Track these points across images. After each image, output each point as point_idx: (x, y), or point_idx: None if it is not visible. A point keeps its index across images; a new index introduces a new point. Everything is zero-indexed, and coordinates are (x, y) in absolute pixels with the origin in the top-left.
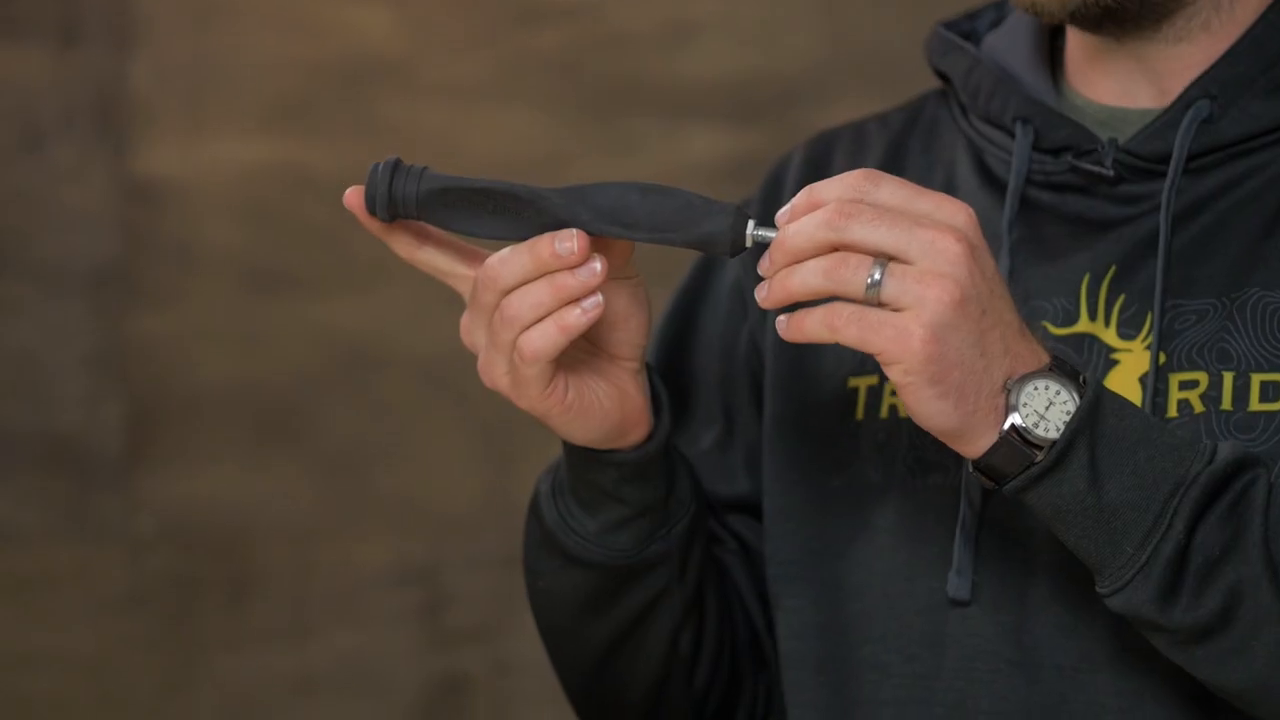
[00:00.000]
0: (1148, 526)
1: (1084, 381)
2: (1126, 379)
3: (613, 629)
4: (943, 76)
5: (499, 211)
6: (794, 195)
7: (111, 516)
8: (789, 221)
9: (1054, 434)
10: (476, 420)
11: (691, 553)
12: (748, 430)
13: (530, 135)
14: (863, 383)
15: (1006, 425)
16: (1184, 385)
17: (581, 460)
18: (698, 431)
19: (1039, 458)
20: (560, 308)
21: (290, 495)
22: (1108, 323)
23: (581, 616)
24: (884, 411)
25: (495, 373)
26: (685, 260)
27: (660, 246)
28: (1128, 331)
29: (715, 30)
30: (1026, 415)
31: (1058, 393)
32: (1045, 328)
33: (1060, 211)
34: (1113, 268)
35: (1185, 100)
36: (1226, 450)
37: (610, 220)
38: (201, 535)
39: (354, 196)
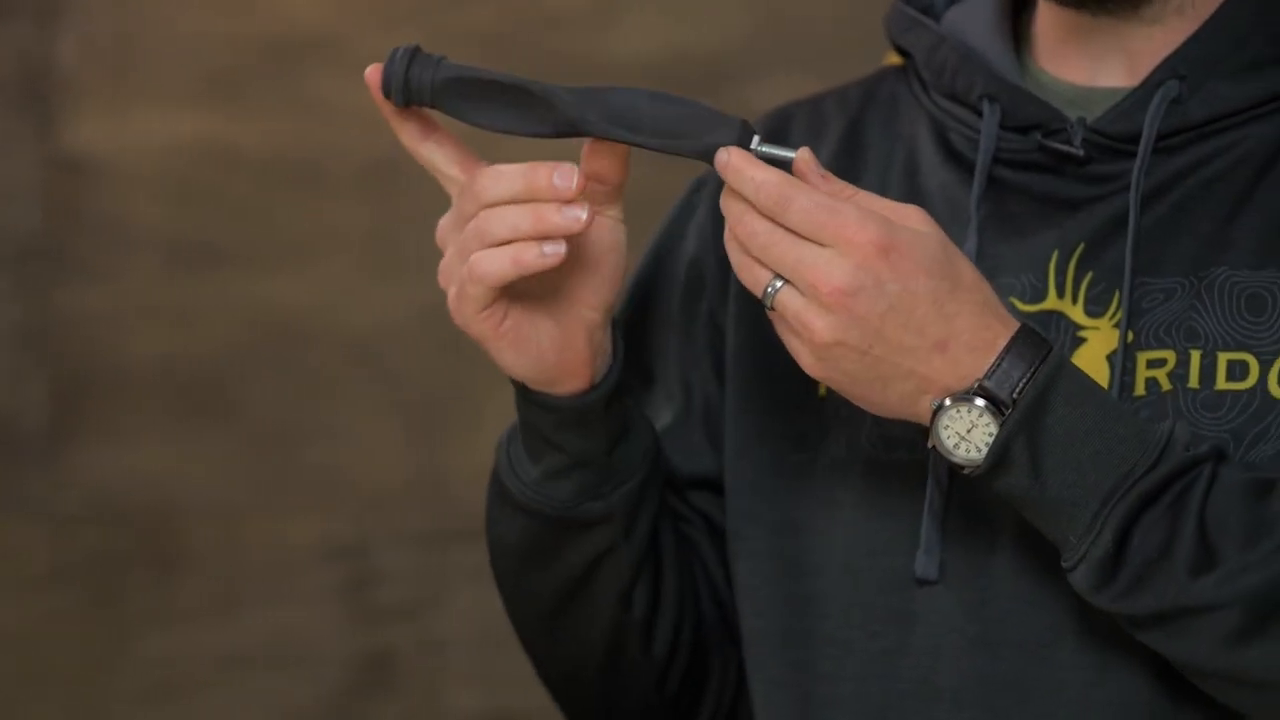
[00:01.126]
0: (1086, 524)
1: (1031, 375)
2: (1094, 356)
3: (557, 583)
4: (903, 52)
5: (511, 105)
6: None
7: (37, 493)
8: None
9: (976, 455)
10: (405, 397)
11: (639, 515)
12: (709, 407)
13: None
14: None
15: (929, 444)
16: (1151, 364)
17: (524, 402)
18: (658, 409)
19: (967, 470)
20: (531, 239)
21: (218, 472)
22: (1075, 300)
23: (527, 566)
24: None
25: (449, 276)
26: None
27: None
28: (1095, 309)
29: (644, 7)
30: (947, 437)
31: (979, 415)
32: (1014, 304)
33: (1028, 190)
34: (1081, 245)
35: (1154, 80)
36: (1178, 446)
37: (618, 123)
38: (128, 512)
39: (374, 75)
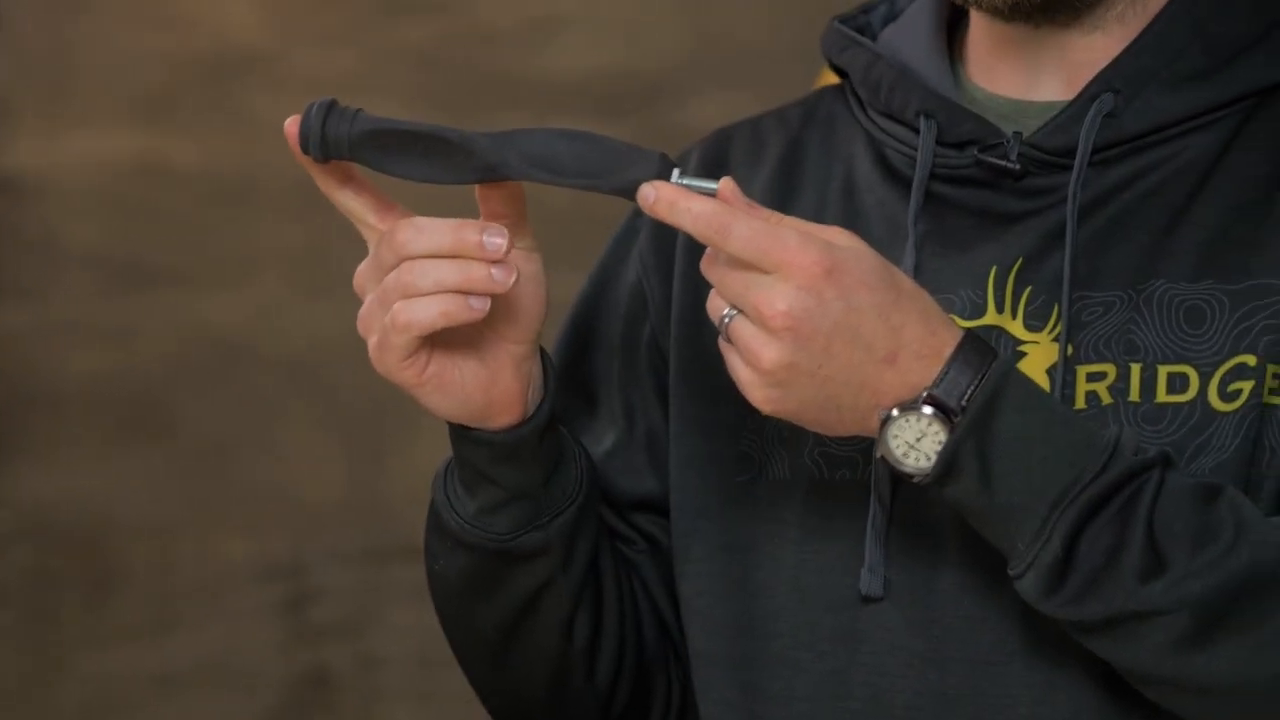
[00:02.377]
0: (1034, 531)
1: (979, 382)
2: (1034, 371)
3: (500, 616)
4: (840, 71)
5: (429, 154)
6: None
7: None
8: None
9: (925, 464)
10: (341, 415)
11: (577, 544)
12: (652, 430)
13: None
14: None
15: (877, 454)
16: (1091, 377)
17: (457, 436)
18: (601, 433)
19: (916, 479)
20: (453, 293)
21: (153, 490)
22: (1015, 315)
23: (468, 601)
24: None
25: (370, 325)
26: (595, 248)
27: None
28: (1035, 323)
29: (580, 26)
30: (896, 447)
31: (929, 424)
32: (954, 320)
33: (965, 205)
34: (1019, 260)
35: (1089, 94)
36: (1125, 451)
37: (538, 165)
38: (63, 531)
39: (291, 128)
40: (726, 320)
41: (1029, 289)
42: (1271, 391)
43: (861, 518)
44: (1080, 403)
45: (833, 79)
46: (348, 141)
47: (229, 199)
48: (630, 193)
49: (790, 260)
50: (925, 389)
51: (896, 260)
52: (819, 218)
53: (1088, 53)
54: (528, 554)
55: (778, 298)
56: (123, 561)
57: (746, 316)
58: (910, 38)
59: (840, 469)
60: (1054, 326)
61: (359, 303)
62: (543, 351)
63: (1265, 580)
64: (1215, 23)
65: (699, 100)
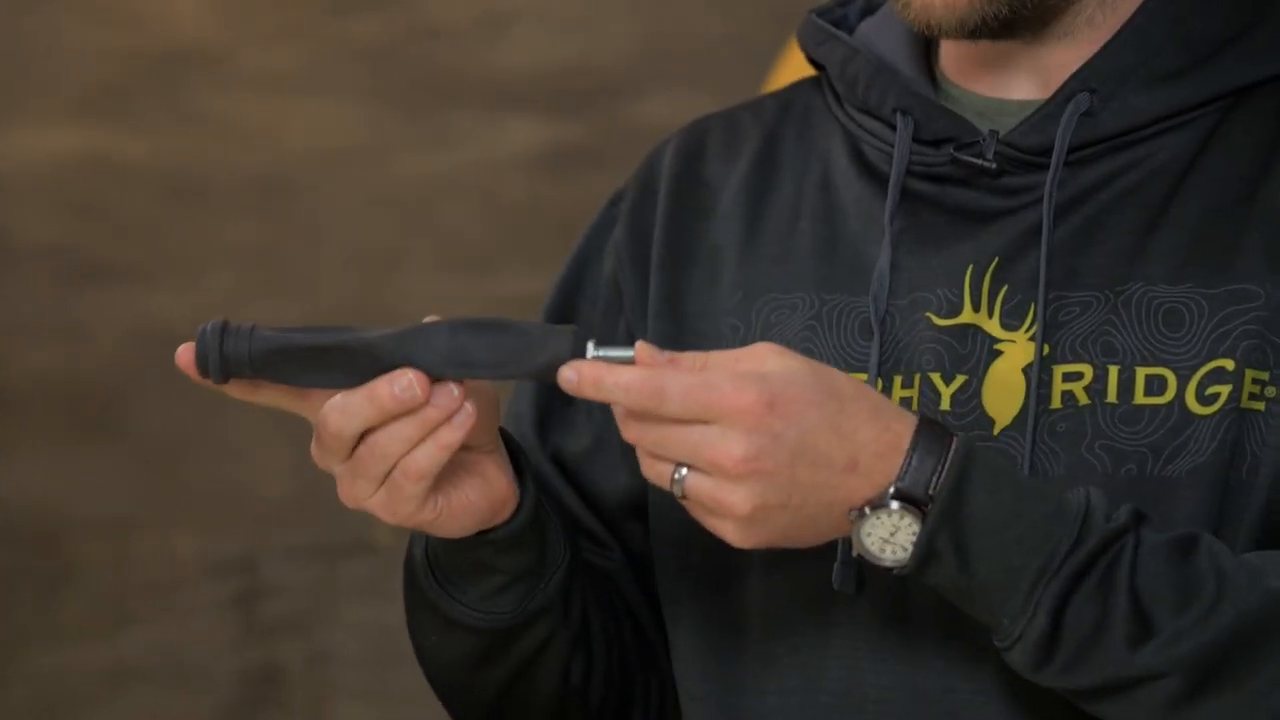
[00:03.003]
0: (1018, 606)
1: (943, 468)
2: (1010, 369)
3: (502, 677)
4: (818, 65)
5: (333, 365)
6: (669, 185)
7: None
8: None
9: (903, 555)
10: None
11: (572, 594)
12: None
13: (347, 126)
14: None
15: (854, 553)
16: (1067, 377)
17: (456, 544)
18: (578, 429)
19: (896, 571)
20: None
21: (105, 487)
22: (991, 313)
23: (471, 672)
24: None
25: (359, 496)
26: (568, 243)
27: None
28: (1011, 322)
29: (531, 22)
30: (871, 544)
31: (900, 517)
32: (930, 319)
33: (941, 203)
34: (996, 259)
35: (1065, 93)
36: (1097, 515)
37: (449, 362)
38: (14, 527)
39: (185, 355)
40: (679, 480)
41: (1005, 288)
42: (1250, 396)
43: None
44: (1056, 403)
45: (786, 75)
46: (248, 360)
47: (180, 195)
48: (549, 375)
49: (731, 406)
50: (891, 485)
51: (874, 258)
52: (796, 211)
53: (1061, 57)
54: (531, 620)
55: (733, 445)
56: (76, 558)
57: (699, 471)
58: (887, 33)
59: None
60: (1030, 326)
61: (310, 300)
62: (504, 432)
63: (1252, 632)
64: (1193, 22)
65: (650, 97)
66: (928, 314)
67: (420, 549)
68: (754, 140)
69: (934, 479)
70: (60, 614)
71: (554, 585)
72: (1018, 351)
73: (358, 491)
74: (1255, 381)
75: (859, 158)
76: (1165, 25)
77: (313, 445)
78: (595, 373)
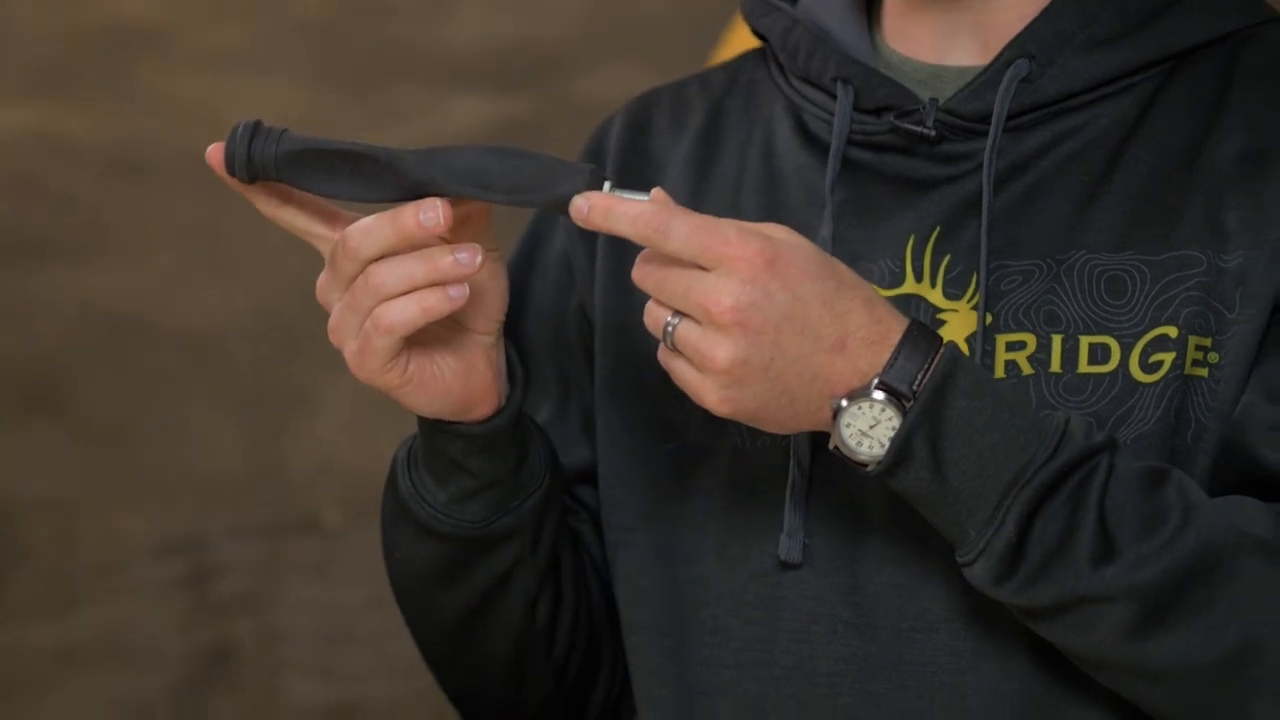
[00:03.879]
0: (986, 517)
1: (929, 368)
2: (953, 339)
3: (467, 599)
4: (761, 36)
5: (356, 174)
6: (616, 159)
7: None
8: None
9: (879, 451)
10: (239, 389)
11: (545, 525)
12: (584, 398)
13: (291, 104)
14: None
15: (831, 445)
16: (1011, 346)
17: (431, 430)
18: (535, 403)
19: (870, 468)
20: (428, 287)
21: (51, 467)
22: (934, 283)
23: (436, 587)
24: None
25: (343, 333)
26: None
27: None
28: (953, 292)
29: None
30: (850, 435)
31: (882, 410)
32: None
33: (882, 171)
34: (937, 228)
35: (1004, 59)
36: (1075, 435)
37: (466, 182)
38: None
39: (215, 154)
40: (671, 328)
41: (948, 257)
42: (1194, 363)
43: (782, 485)
44: (1000, 372)
45: (731, 49)
46: (274, 162)
47: (123, 174)
48: (562, 206)
49: (731, 254)
50: (876, 375)
51: (815, 228)
52: (739, 183)
53: (1003, 14)
54: (498, 539)
55: (724, 293)
56: (22, 539)
57: (691, 319)
58: (829, 3)
59: (761, 437)
60: (973, 295)
61: (258, 280)
62: (507, 341)
63: (1213, 563)
64: None
65: (597, 72)
66: (872, 285)
67: (404, 450)
68: (700, 113)
69: (920, 376)
70: (8, 595)
71: (527, 509)
72: (960, 321)
73: (345, 329)
74: (1198, 348)
75: (801, 128)
76: None
77: (322, 275)
78: (606, 203)
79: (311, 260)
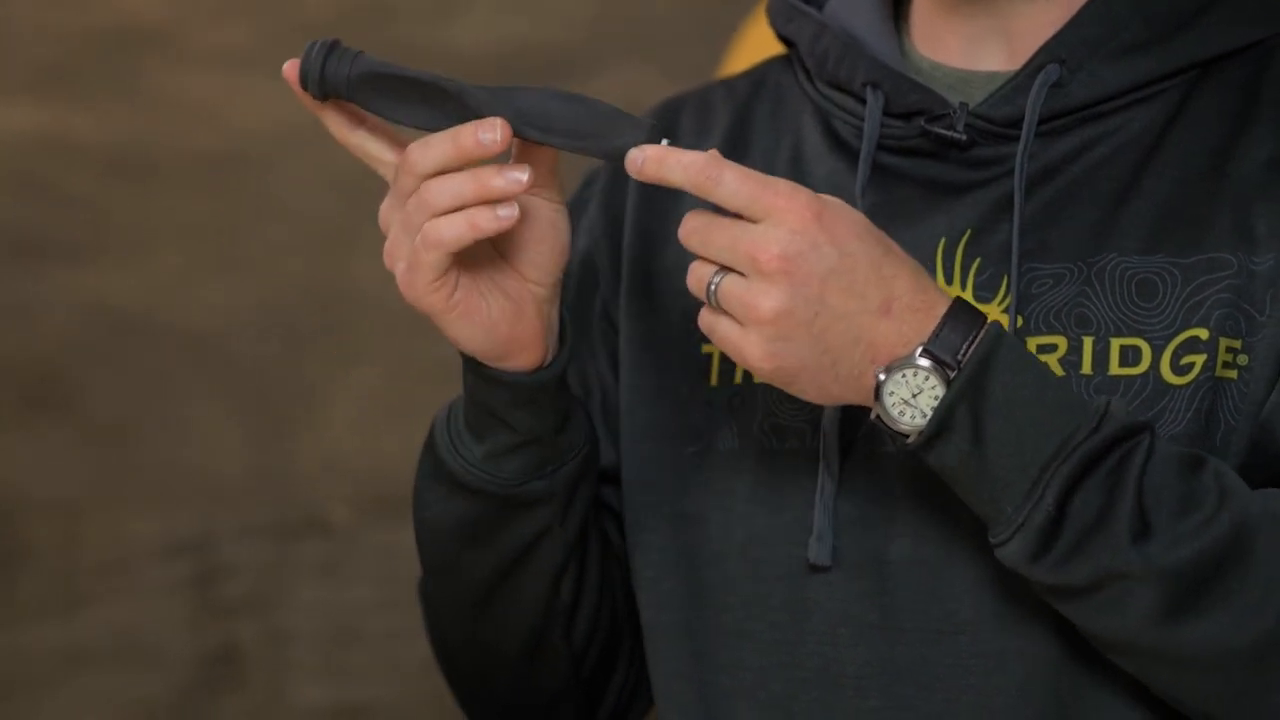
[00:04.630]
0: (1024, 491)
1: (974, 341)
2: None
3: (493, 563)
4: (788, 42)
5: (424, 101)
6: None
7: None
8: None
9: (920, 421)
10: (245, 389)
11: (576, 498)
12: (607, 400)
13: (298, 104)
14: (716, 349)
15: (872, 415)
16: (1042, 349)
17: (477, 378)
18: None
19: (910, 440)
20: (478, 204)
21: (57, 467)
22: (964, 286)
23: (462, 547)
24: (738, 377)
25: (396, 254)
26: None
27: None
28: (984, 294)
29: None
30: (892, 404)
31: (925, 379)
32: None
33: (912, 176)
34: (968, 232)
35: (1035, 64)
36: (1117, 414)
37: (530, 123)
38: None
39: (291, 70)
40: (714, 286)
41: (978, 260)
42: (1225, 365)
43: (810, 488)
44: None
45: (743, 52)
46: (346, 82)
47: (129, 173)
48: (618, 156)
49: (782, 205)
50: (920, 343)
51: None
52: None
53: (1030, 20)
54: (530, 501)
55: (771, 241)
56: (28, 539)
57: (736, 273)
58: (856, 7)
59: (789, 439)
60: (1004, 298)
61: (264, 279)
62: (563, 305)
63: (1247, 548)
64: None
65: (605, 75)
66: None
67: (444, 410)
68: (725, 119)
69: (965, 347)
70: (13, 595)
71: (561, 475)
72: None
73: (398, 249)
74: (1229, 350)
75: (830, 133)
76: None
77: (385, 200)
78: (660, 153)
79: (320, 258)
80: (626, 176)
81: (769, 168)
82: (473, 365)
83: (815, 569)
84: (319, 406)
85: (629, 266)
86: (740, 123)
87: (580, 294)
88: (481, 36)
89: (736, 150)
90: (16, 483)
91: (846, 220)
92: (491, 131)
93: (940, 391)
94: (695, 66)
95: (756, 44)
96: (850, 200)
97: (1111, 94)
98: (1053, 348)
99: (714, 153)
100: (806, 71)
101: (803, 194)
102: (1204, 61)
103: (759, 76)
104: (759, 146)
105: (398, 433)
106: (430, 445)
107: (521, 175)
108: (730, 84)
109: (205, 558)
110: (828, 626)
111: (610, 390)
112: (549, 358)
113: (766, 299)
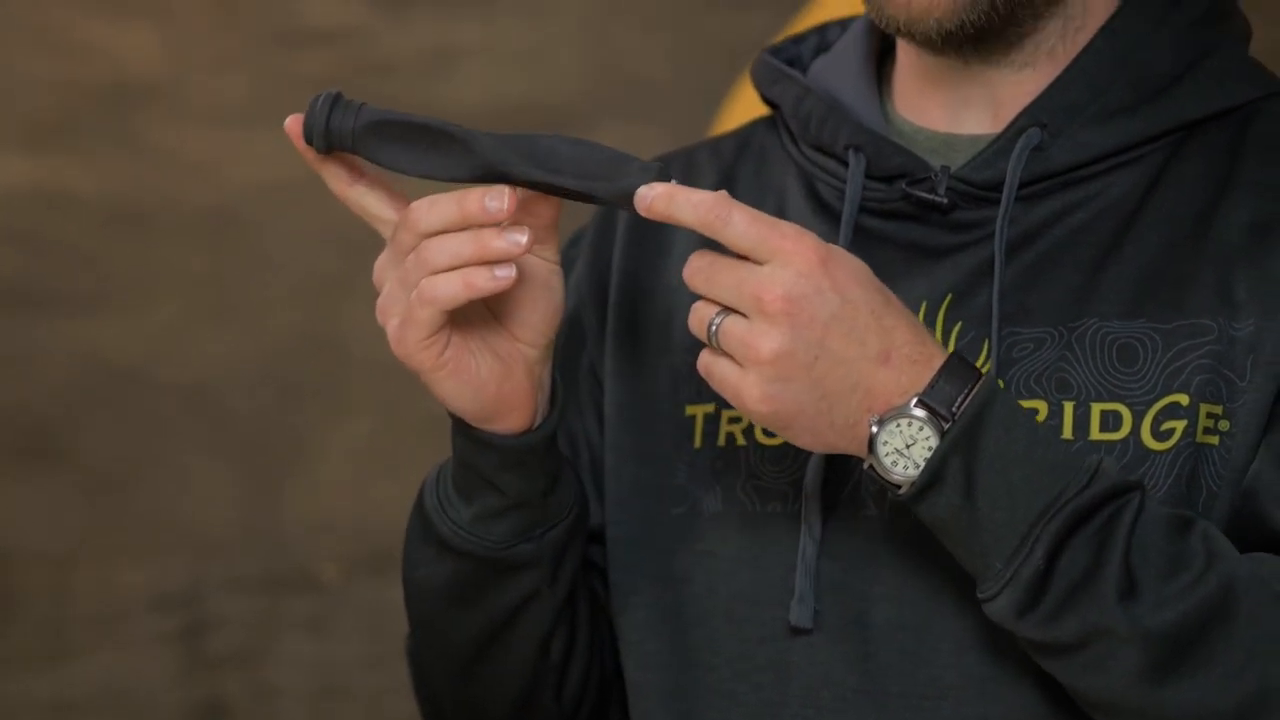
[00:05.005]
0: (1014, 546)
1: (968, 395)
2: None
3: (481, 625)
4: (772, 104)
5: (431, 148)
6: (628, 222)
7: None
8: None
9: (913, 472)
10: (238, 443)
11: (565, 560)
12: (595, 459)
13: (294, 159)
14: (700, 410)
15: (865, 465)
16: None
17: (465, 440)
18: None
19: (902, 490)
20: (475, 265)
21: (48, 517)
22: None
23: (450, 609)
24: (721, 439)
25: (390, 310)
26: None
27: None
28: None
29: (479, 57)
30: (886, 454)
31: (920, 429)
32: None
33: (894, 238)
34: (949, 295)
35: (1016, 128)
36: (1108, 473)
37: (538, 164)
38: None
39: (294, 125)
40: (715, 326)
41: (959, 324)
42: (1206, 431)
43: (793, 550)
44: None
45: (735, 112)
46: (352, 133)
47: (126, 226)
48: (627, 197)
49: (789, 247)
50: (917, 394)
51: None
52: None
53: (1016, 88)
54: (519, 564)
55: (777, 283)
56: (17, 589)
57: (739, 314)
58: (840, 70)
59: (771, 502)
60: (984, 362)
61: (258, 333)
62: (554, 366)
63: (1233, 611)
64: (1140, 59)
65: (599, 132)
66: None
67: (434, 471)
68: (711, 179)
69: (960, 399)
70: (3, 645)
71: (550, 538)
72: None
73: (392, 305)
74: (1210, 416)
75: (813, 195)
76: (1113, 62)
77: (382, 255)
78: (669, 190)
79: (316, 311)
80: (613, 233)
81: None
82: (461, 427)
83: (797, 631)
84: (311, 460)
85: (614, 325)
86: (725, 182)
87: (568, 352)
88: (478, 94)
89: None
90: (10, 532)
91: (851, 267)
92: (499, 200)
93: (934, 443)
94: (690, 124)
95: (749, 104)
96: None
97: (1093, 158)
98: (1033, 412)
99: (723, 193)
100: (790, 133)
101: (809, 238)
102: (1185, 125)
103: (744, 137)
104: None
105: (389, 487)
106: (419, 506)
107: (521, 238)
108: (716, 144)
109: (195, 611)
110: (810, 690)
111: (597, 449)
112: (538, 419)
113: (767, 340)
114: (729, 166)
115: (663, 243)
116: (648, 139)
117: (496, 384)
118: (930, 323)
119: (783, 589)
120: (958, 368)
